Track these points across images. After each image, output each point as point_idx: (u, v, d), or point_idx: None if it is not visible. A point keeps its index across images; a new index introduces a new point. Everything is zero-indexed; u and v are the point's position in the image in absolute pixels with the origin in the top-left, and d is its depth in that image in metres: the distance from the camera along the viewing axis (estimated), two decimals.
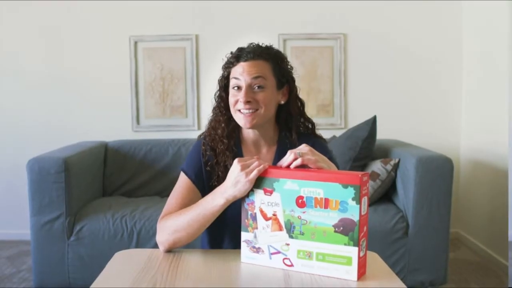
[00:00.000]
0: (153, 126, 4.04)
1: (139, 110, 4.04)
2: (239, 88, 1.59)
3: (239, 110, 1.60)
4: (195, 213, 1.47)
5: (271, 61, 1.62)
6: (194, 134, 3.92)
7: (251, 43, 1.66)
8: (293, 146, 1.67)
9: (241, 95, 1.58)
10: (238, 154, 1.67)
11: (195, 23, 3.99)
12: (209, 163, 1.64)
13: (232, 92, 1.61)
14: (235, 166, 1.38)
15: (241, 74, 1.58)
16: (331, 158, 1.68)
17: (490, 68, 3.53)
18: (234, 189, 1.38)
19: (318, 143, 1.69)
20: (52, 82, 4.02)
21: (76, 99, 4.03)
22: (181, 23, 4.00)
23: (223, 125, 1.67)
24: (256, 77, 1.57)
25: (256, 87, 1.58)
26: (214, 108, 1.72)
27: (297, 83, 1.72)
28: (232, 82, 1.61)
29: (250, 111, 1.58)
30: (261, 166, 1.36)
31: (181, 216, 1.50)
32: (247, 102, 1.57)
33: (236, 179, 1.37)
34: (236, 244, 1.57)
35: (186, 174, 1.65)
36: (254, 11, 3.97)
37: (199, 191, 1.63)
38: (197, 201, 1.57)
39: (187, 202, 1.59)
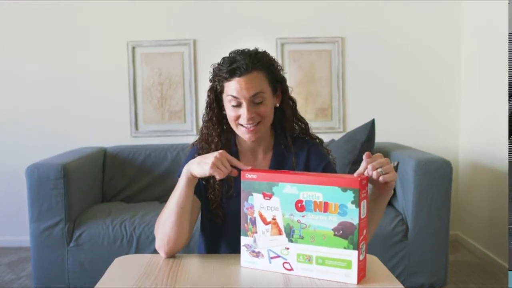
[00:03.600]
0: (151, 131, 4.04)
1: (138, 116, 4.04)
2: (237, 103, 1.55)
3: (241, 124, 1.58)
4: (170, 203, 1.49)
5: (265, 69, 1.57)
6: (192, 139, 3.87)
7: (237, 51, 1.60)
8: (288, 150, 1.67)
9: (243, 112, 1.54)
10: None
11: (192, 28, 4.00)
12: (204, 177, 1.62)
13: (230, 107, 1.57)
14: (216, 152, 1.43)
15: (238, 92, 1.53)
16: (328, 162, 1.68)
17: (489, 69, 3.54)
18: (196, 166, 1.43)
19: (315, 147, 1.69)
20: (51, 88, 4.02)
21: (75, 104, 4.03)
22: (178, 28, 4.00)
23: (216, 139, 1.65)
24: (255, 94, 1.54)
25: (256, 101, 1.55)
26: (205, 120, 1.69)
27: (294, 87, 1.72)
28: (229, 98, 1.56)
29: (253, 125, 1.56)
30: (227, 171, 1.41)
31: (162, 212, 1.52)
32: (250, 118, 1.55)
33: (204, 160, 1.41)
34: (232, 250, 1.57)
35: None
36: (252, 15, 3.98)
37: (196, 196, 1.61)
38: (195, 207, 1.58)
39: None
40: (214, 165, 1.39)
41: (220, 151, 1.43)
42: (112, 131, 4.02)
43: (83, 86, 4.03)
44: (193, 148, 1.71)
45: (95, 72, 4.02)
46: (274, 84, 1.61)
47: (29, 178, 2.90)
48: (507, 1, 3.03)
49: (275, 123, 1.69)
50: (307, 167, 1.66)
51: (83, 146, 3.76)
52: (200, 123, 1.74)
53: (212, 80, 1.63)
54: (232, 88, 1.54)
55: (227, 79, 1.55)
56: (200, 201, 1.63)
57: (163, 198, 3.45)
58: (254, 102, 1.55)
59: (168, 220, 1.49)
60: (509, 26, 2.81)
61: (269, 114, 1.59)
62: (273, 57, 1.65)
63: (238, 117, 1.57)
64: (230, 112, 1.58)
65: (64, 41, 4.01)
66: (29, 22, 3.99)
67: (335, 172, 1.69)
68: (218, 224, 1.65)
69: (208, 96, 1.66)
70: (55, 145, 3.85)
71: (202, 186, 1.64)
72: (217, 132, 1.65)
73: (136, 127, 4.04)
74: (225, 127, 1.67)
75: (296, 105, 1.72)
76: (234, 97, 1.54)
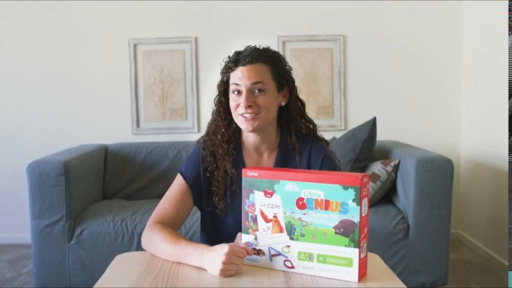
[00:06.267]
0: (153, 129, 4.04)
1: (139, 113, 4.04)
2: (239, 92, 1.59)
3: (241, 114, 1.59)
4: (173, 252, 1.46)
5: (270, 63, 1.60)
6: (194, 137, 3.92)
7: (249, 46, 1.64)
8: (293, 149, 1.67)
9: (242, 100, 1.57)
10: (239, 159, 1.67)
11: (194, 25, 4.00)
12: (208, 168, 1.65)
13: (232, 96, 1.61)
14: (221, 253, 1.33)
15: (240, 79, 1.57)
16: (326, 155, 1.67)
17: (490, 68, 3.54)
18: (208, 265, 1.36)
19: (316, 146, 1.69)
20: (52, 86, 4.02)
21: (76, 102, 4.03)
22: (180, 26, 4.00)
23: (222, 130, 1.67)
24: (255, 83, 1.57)
25: (256, 91, 1.57)
26: (214, 113, 1.71)
27: (296, 85, 1.72)
28: (232, 87, 1.60)
29: (251, 115, 1.57)
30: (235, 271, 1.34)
31: (162, 245, 1.50)
32: (248, 106, 1.56)
33: (215, 263, 1.33)
34: None
35: (185, 177, 1.66)
36: (254, 13, 3.98)
37: (192, 196, 1.66)
38: (187, 207, 1.63)
39: (180, 208, 1.63)
40: (224, 271, 1.32)
41: (226, 250, 1.33)
42: (114, 129, 4.02)
43: (85, 84, 4.03)
44: (198, 145, 1.72)
45: (96, 70, 4.02)
46: (279, 80, 1.63)
47: (30, 176, 2.90)
48: (507, 1, 3.03)
49: (282, 122, 1.70)
50: (309, 163, 1.66)
51: (84, 143, 3.75)
52: (202, 120, 1.76)
53: (221, 72, 1.67)
54: (235, 76, 1.59)
55: (232, 68, 1.60)
56: (195, 199, 1.68)
57: (164, 195, 3.45)
58: (254, 91, 1.58)
59: (166, 258, 1.49)
60: (509, 25, 2.81)
61: (268, 107, 1.60)
62: (284, 57, 1.68)
63: (238, 106, 1.59)
64: (231, 101, 1.61)
65: (65, 40, 4.01)
66: (30, 20, 3.99)
67: (333, 162, 1.68)
68: (220, 220, 1.65)
69: (218, 88, 1.69)
70: (57, 143, 3.85)
71: (203, 181, 1.66)
72: (224, 123, 1.67)
73: (138, 125, 4.04)
74: (233, 124, 1.68)
75: (304, 107, 1.73)
76: (236, 84, 1.58)
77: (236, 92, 1.59)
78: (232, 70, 1.60)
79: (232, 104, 1.61)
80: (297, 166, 1.66)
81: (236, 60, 1.60)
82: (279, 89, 1.64)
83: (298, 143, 1.68)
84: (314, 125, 1.74)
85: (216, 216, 1.67)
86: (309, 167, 1.66)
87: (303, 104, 1.72)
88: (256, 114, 1.57)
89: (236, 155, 1.67)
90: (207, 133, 1.71)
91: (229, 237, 1.61)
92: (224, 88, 1.67)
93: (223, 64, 1.65)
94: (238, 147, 1.69)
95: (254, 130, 1.60)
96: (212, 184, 1.65)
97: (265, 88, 1.58)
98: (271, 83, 1.60)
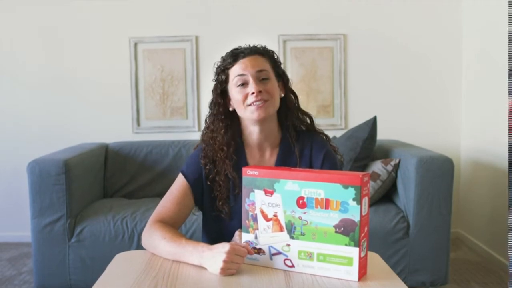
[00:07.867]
0: (153, 127, 4.04)
1: (140, 112, 4.04)
2: (243, 84, 1.59)
3: (251, 104, 1.58)
4: (173, 251, 1.46)
5: (267, 56, 1.65)
6: (194, 135, 3.93)
7: (238, 47, 1.67)
8: (293, 144, 1.68)
9: (250, 88, 1.57)
10: (242, 158, 1.67)
11: (195, 24, 4.00)
12: (210, 177, 1.64)
13: (237, 89, 1.60)
14: (222, 252, 1.33)
15: (244, 69, 1.59)
16: (328, 150, 1.68)
17: (490, 68, 3.53)
18: (208, 264, 1.36)
19: (317, 142, 1.69)
20: (52, 84, 4.02)
21: (77, 100, 4.03)
22: (181, 24, 4.00)
23: (222, 132, 1.66)
24: (260, 70, 1.59)
25: (262, 79, 1.60)
26: (210, 116, 1.70)
27: (296, 84, 1.73)
28: (236, 80, 1.60)
29: (262, 102, 1.57)
30: (235, 270, 1.34)
31: (162, 243, 1.50)
32: (259, 92, 1.57)
33: (216, 262, 1.33)
34: None
35: (186, 177, 1.65)
36: (254, 12, 3.97)
37: (193, 196, 1.66)
38: (187, 208, 1.64)
39: (181, 207, 1.64)
40: (225, 269, 1.32)
41: (228, 248, 1.33)
42: (114, 127, 4.02)
43: (85, 83, 4.03)
44: (198, 148, 1.71)
45: (97, 68, 4.02)
46: (277, 70, 1.67)
47: (31, 174, 2.90)
48: (507, 1, 3.03)
49: (281, 116, 1.70)
50: (311, 161, 1.67)
51: (84, 142, 3.75)
52: (202, 119, 1.75)
53: (216, 74, 1.67)
54: (237, 68, 1.60)
55: (231, 63, 1.61)
56: (198, 202, 1.69)
57: (164, 194, 3.44)
58: (260, 79, 1.59)
59: (166, 256, 1.49)
60: (509, 25, 2.80)
61: (275, 93, 1.62)
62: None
63: (246, 97, 1.59)
64: (237, 95, 1.60)
65: (66, 38, 4.01)
66: (31, 19, 3.99)
67: (334, 158, 1.69)
68: (225, 224, 1.65)
69: (213, 92, 1.69)
70: (57, 142, 3.85)
71: (205, 187, 1.66)
72: (222, 125, 1.67)
73: (138, 123, 4.04)
74: (230, 126, 1.67)
75: (298, 99, 1.74)
76: (241, 75, 1.59)
77: (241, 85, 1.59)
78: (232, 65, 1.61)
79: (238, 97, 1.60)
80: (298, 164, 1.66)
81: (235, 55, 1.62)
82: (278, 80, 1.66)
83: (298, 139, 1.69)
84: (311, 118, 1.75)
85: (221, 220, 1.66)
86: (310, 164, 1.66)
87: (296, 96, 1.74)
88: (266, 101, 1.58)
89: (237, 159, 1.66)
90: (205, 139, 1.68)
91: (232, 235, 1.61)
92: (221, 90, 1.66)
93: (216, 67, 1.67)
94: (240, 147, 1.68)
95: (265, 117, 1.60)
96: (215, 189, 1.65)
97: (269, 75, 1.61)
98: (272, 72, 1.64)
